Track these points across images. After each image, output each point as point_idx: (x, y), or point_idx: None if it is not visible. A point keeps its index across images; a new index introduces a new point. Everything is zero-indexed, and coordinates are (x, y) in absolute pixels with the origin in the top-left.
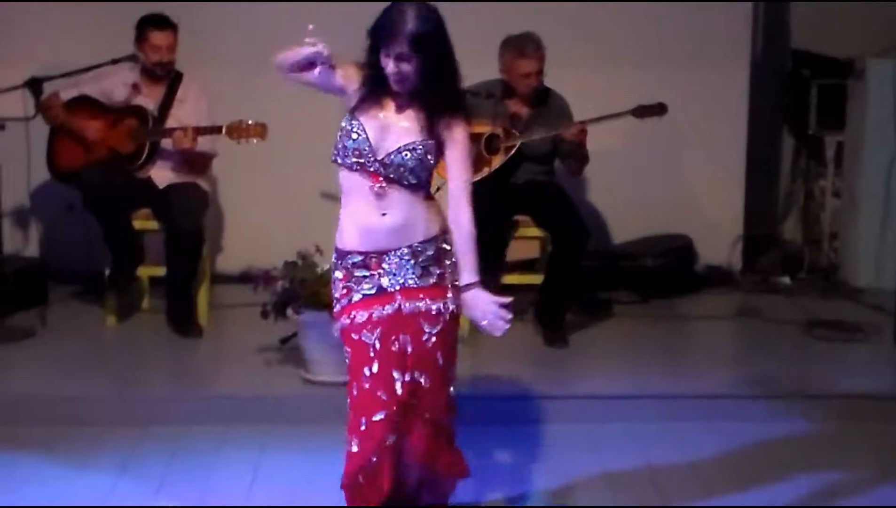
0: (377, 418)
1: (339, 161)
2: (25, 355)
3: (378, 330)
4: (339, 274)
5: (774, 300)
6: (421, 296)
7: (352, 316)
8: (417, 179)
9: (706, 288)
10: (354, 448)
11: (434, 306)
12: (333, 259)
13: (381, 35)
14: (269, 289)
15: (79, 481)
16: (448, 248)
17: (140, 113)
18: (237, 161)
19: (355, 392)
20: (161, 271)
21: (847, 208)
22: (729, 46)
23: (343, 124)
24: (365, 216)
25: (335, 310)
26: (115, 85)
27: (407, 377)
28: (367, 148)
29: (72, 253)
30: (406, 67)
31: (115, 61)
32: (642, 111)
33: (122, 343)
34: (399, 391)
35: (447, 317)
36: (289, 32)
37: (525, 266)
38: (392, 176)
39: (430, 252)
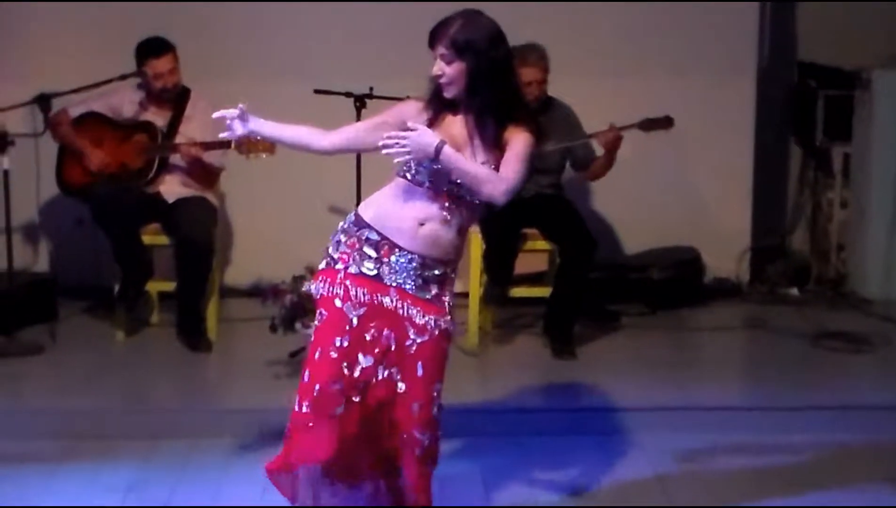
0: (334, 387)
1: (409, 177)
2: (35, 369)
3: (362, 310)
4: (345, 238)
5: (782, 312)
6: (413, 303)
7: (340, 285)
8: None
9: (714, 300)
10: (304, 409)
11: (423, 318)
12: (347, 222)
13: (431, 36)
14: (277, 303)
15: (89, 495)
16: (453, 277)
17: (149, 128)
18: (246, 175)
19: (317, 357)
20: (170, 286)
21: (855, 219)
22: (735, 57)
23: None
24: (404, 212)
25: (321, 267)
26: (123, 102)
27: (383, 374)
28: (439, 166)
29: (81, 268)
30: (448, 70)
31: (123, 77)
32: (649, 125)
33: (132, 358)
34: (357, 375)
35: (435, 332)
36: (297, 45)
37: (533, 279)
38: (462, 194)
39: (437, 272)
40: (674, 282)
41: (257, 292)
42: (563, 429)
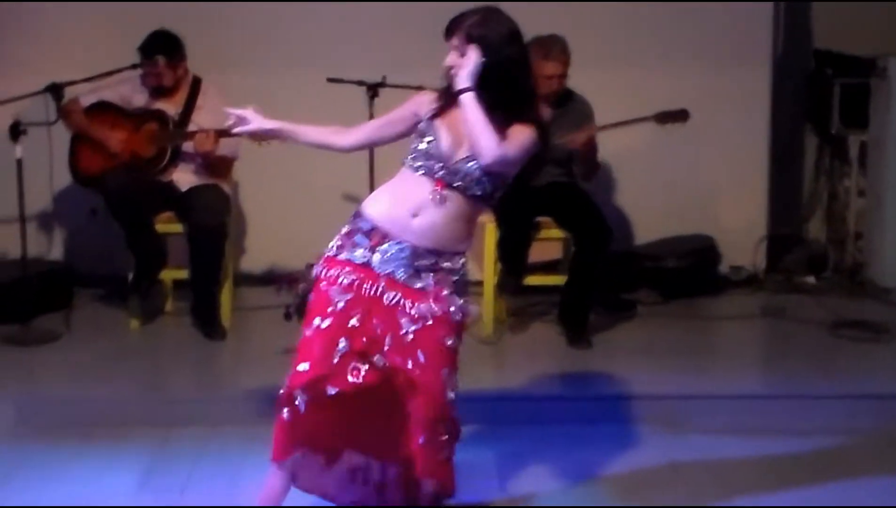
0: (301, 367)
1: (409, 163)
2: (50, 358)
3: (348, 296)
4: (346, 227)
5: (799, 300)
6: (403, 293)
7: (329, 270)
8: (483, 190)
9: (730, 288)
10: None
11: (414, 307)
12: (353, 213)
13: (447, 28)
14: (291, 291)
15: (105, 481)
16: (449, 267)
17: (161, 117)
18: (259, 163)
19: (300, 340)
20: (184, 274)
21: (872, 207)
22: (750, 46)
23: (419, 126)
24: (399, 201)
25: (325, 254)
26: (135, 90)
27: (384, 363)
28: (437, 153)
29: (95, 257)
30: (461, 62)
31: (135, 66)
32: (664, 117)
33: (147, 346)
34: (335, 360)
35: (429, 320)
36: (309, 34)
37: (548, 268)
38: (457, 184)
39: (429, 262)
40: (689, 271)
41: (271, 280)
42: (577, 417)
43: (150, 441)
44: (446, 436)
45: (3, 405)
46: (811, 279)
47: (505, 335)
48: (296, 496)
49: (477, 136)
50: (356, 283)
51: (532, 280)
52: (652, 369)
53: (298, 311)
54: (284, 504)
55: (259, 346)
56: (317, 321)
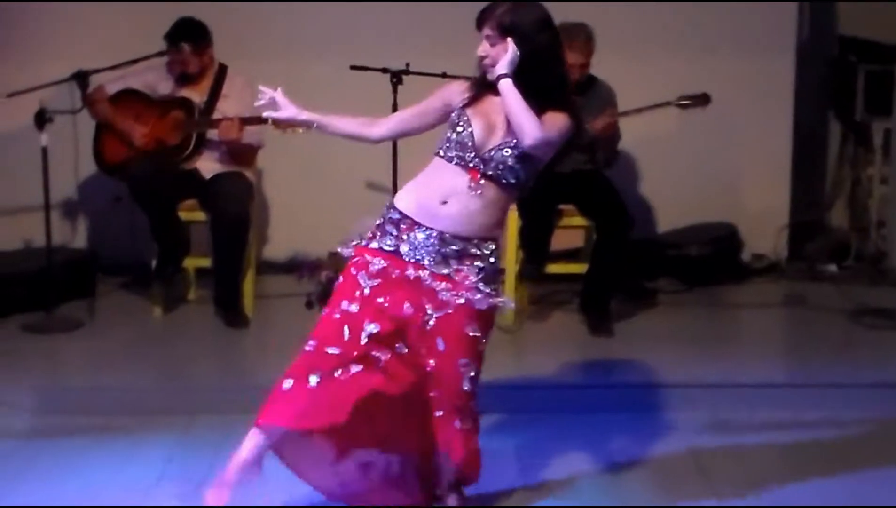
0: (331, 351)
1: (441, 153)
2: (74, 345)
3: (376, 282)
4: (378, 220)
5: (821, 288)
6: (428, 278)
7: (361, 256)
8: (516, 178)
9: (752, 276)
10: (286, 377)
11: (439, 294)
12: (387, 203)
13: (478, 17)
14: (314, 279)
15: (126, 470)
16: (479, 254)
17: (186, 105)
18: (283, 151)
19: (322, 316)
20: (207, 263)
21: (895, 195)
22: (775, 32)
23: (452, 116)
24: (430, 190)
25: (356, 240)
26: (160, 78)
27: (403, 350)
28: (469, 142)
29: (119, 245)
30: (492, 51)
31: (161, 54)
32: (685, 102)
33: (169, 334)
34: (363, 341)
35: (452, 307)
36: (333, 22)
37: (570, 255)
38: (490, 173)
39: (457, 247)
40: (711, 258)
41: (294, 268)
42: (599, 406)
43: (172, 430)
44: (468, 425)
45: (26, 393)
46: (833, 268)
47: (526, 324)
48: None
49: (520, 120)
50: (385, 269)
51: (554, 268)
52: (673, 357)
53: (320, 299)
54: (287, 505)
55: (281, 334)
56: (344, 303)
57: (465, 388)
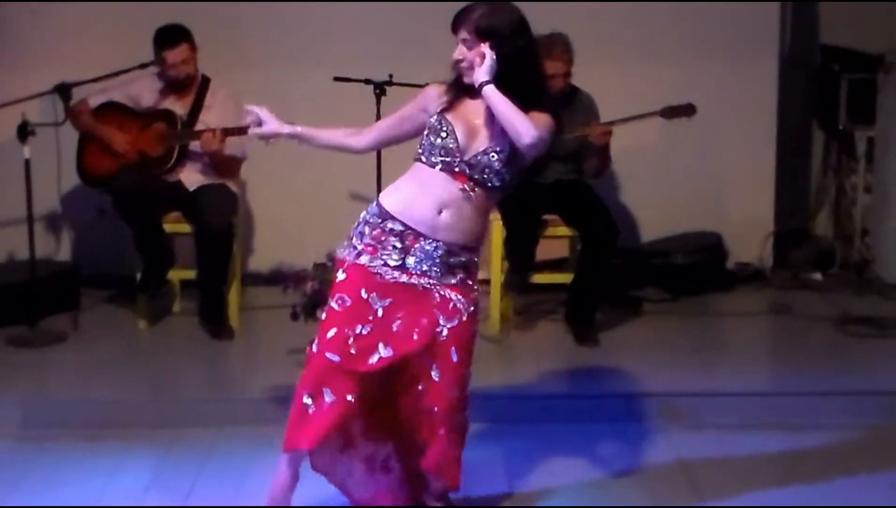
0: (339, 369)
1: (424, 159)
2: (58, 358)
3: (387, 301)
4: (369, 229)
5: (806, 297)
6: (436, 288)
7: (367, 276)
8: (501, 180)
9: (737, 285)
10: (304, 397)
11: (452, 298)
12: (370, 212)
13: (454, 21)
14: (299, 290)
15: (112, 483)
16: (476, 262)
17: (168, 117)
18: (267, 162)
19: (330, 336)
20: (192, 275)
21: (879, 203)
22: (758, 41)
23: (431, 122)
24: (423, 199)
25: (344, 255)
26: (143, 91)
27: (412, 363)
28: (454, 147)
29: (103, 257)
30: (469, 55)
31: (143, 66)
32: (671, 112)
33: (154, 347)
34: (372, 362)
35: (464, 316)
36: (316, 33)
37: (555, 265)
38: (476, 177)
39: (463, 259)
40: (696, 267)
41: (278, 279)
42: (585, 415)
43: (157, 442)
44: (457, 432)
45: (10, 406)
46: (818, 276)
47: (511, 334)
48: (305, 496)
49: (515, 122)
50: (394, 285)
51: (539, 278)
52: (660, 366)
53: (305, 311)
54: (291, 505)
55: (267, 346)
56: (358, 328)
57: (461, 394)
